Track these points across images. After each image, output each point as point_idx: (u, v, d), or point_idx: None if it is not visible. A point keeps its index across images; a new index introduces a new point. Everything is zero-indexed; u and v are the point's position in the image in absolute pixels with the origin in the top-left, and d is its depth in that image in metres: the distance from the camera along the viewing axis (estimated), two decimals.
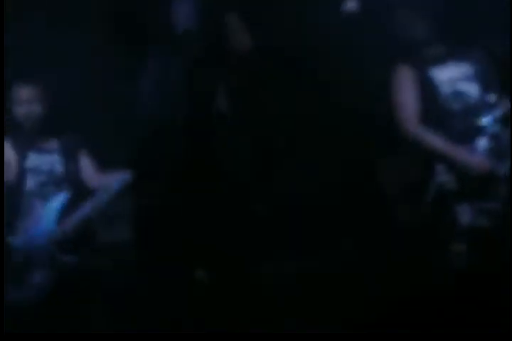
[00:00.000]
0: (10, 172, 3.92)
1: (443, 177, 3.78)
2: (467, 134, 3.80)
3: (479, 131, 3.79)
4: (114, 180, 3.93)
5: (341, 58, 4.38)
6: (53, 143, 4.04)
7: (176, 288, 3.59)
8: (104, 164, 4.08)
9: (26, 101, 3.94)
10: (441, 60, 3.91)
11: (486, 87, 3.84)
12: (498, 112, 3.73)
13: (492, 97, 3.77)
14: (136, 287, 3.99)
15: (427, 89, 3.89)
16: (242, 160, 3.77)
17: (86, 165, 4.05)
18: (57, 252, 3.83)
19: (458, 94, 3.87)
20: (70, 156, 4.02)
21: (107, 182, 3.96)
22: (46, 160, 3.98)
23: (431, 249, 3.94)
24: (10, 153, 3.95)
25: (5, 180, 3.89)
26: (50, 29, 4.39)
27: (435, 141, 3.83)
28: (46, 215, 3.88)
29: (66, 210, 3.90)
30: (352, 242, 4.26)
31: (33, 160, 3.96)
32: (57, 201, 3.91)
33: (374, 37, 4.24)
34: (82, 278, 3.88)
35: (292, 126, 4.50)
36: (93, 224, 3.98)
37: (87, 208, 3.88)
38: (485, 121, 3.77)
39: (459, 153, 3.79)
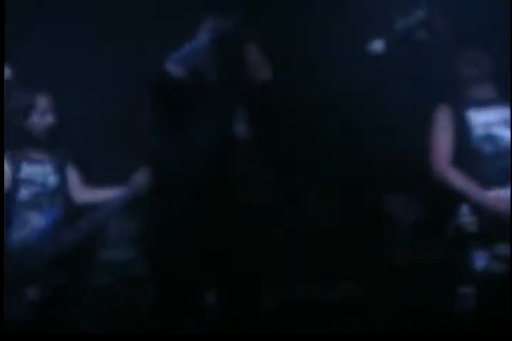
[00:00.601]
0: (4, 182, 3.82)
1: (465, 218, 3.75)
2: (495, 179, 3.78)
3: (508, 176, 3.76)
4: (113, 197, 3.87)
5: (362, 92, 4.39)
6: (45, 155, 3.96)
7: (185, 310, 3.50)
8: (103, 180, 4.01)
9: (42, 110, 3.88)
10: (481, 102, 3.90)
11: None
12: None
13: None
14: (140, 306, 3.92)
15: (461, 130, 3.87)
16: (260, 185, 3.73)
17: (73, 180, 3.98)
18: (51, 269, 3.73)
19: (491, 138, 3.85)
20: (60, 169, 3.95)
21: (97, 198, 3.92)
22: (39, 171, 3.90)
23: (437, 288, 3.92)
24: (5, 163, 3.85)
25: None
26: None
27: (461, 181, 3.80)
28: (40, 229, 3.78)
29: (60, 225, 3.82)
30: (359, 276, 4.23)
31: (26, 170, 3.88)
32: (52, 214, 3.82)
33: (412, 74, 4.24)
34: (76, 295, 3.81)
35: (309, 156, 4.48)
36: (92, 242, 3.92)
37: (83, 226, 3.81)
38: None
39: (480, 194, 3.76)
